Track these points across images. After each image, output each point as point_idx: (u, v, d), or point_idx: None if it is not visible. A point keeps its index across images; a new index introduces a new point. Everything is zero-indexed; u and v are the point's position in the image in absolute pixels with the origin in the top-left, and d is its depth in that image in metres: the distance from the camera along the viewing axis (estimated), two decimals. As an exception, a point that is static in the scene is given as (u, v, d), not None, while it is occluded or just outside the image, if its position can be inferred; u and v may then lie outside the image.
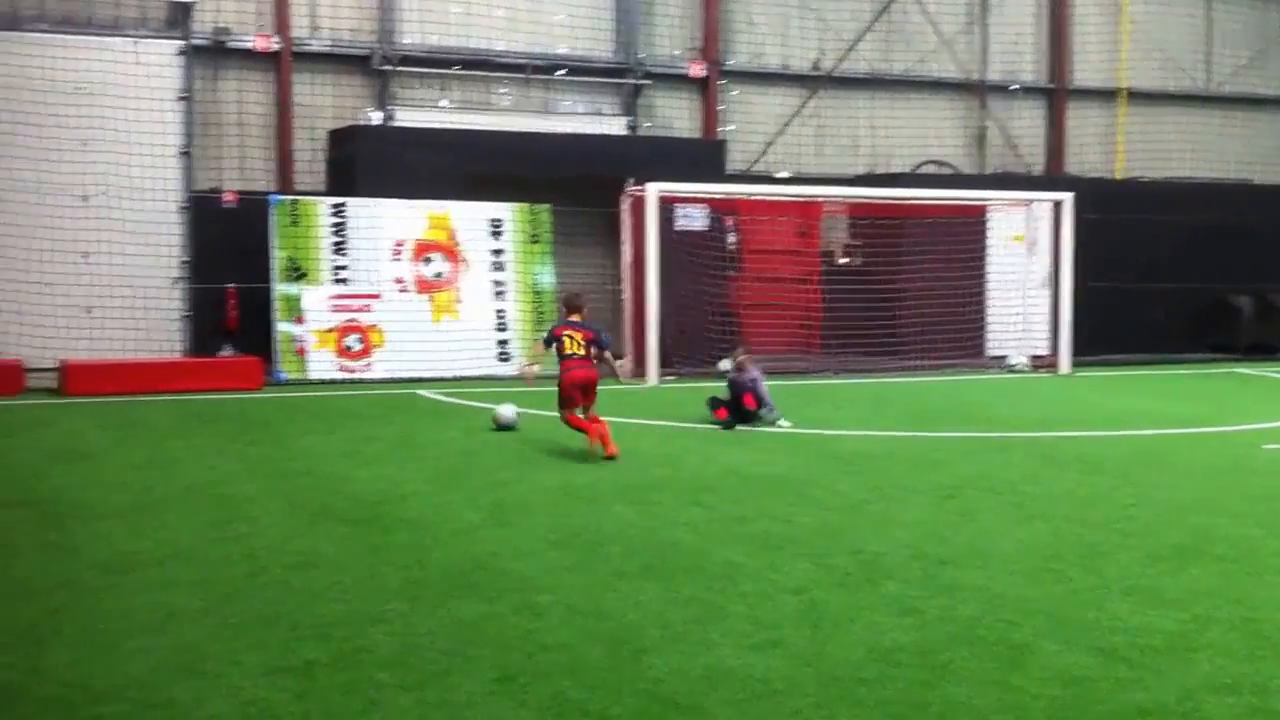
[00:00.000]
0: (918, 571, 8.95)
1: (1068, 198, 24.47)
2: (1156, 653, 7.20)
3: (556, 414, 14.27)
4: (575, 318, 14.53)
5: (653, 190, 22.13)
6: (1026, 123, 30.36)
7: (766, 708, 6.32)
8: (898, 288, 24.52)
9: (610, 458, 13.54)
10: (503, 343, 22.49)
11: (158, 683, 6.59)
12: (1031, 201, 25.34)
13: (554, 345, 14.31)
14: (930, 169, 28.83)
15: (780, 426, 16.27)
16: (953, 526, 10.49)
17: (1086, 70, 30.70)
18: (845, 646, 7.26)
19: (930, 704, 6.38)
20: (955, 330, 24.76)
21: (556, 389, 14.06)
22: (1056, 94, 30.40)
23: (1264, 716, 6.29)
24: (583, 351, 14.10)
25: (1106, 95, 30.77)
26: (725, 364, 22.72)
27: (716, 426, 16.37)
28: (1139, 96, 31.00)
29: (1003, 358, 24.99)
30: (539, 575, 8.76)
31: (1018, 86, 30.08)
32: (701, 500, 11.49)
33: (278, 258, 21.36)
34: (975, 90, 29.48)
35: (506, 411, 16.11)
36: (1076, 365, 24.42)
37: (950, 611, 7.97)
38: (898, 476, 12.89)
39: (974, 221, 25.58)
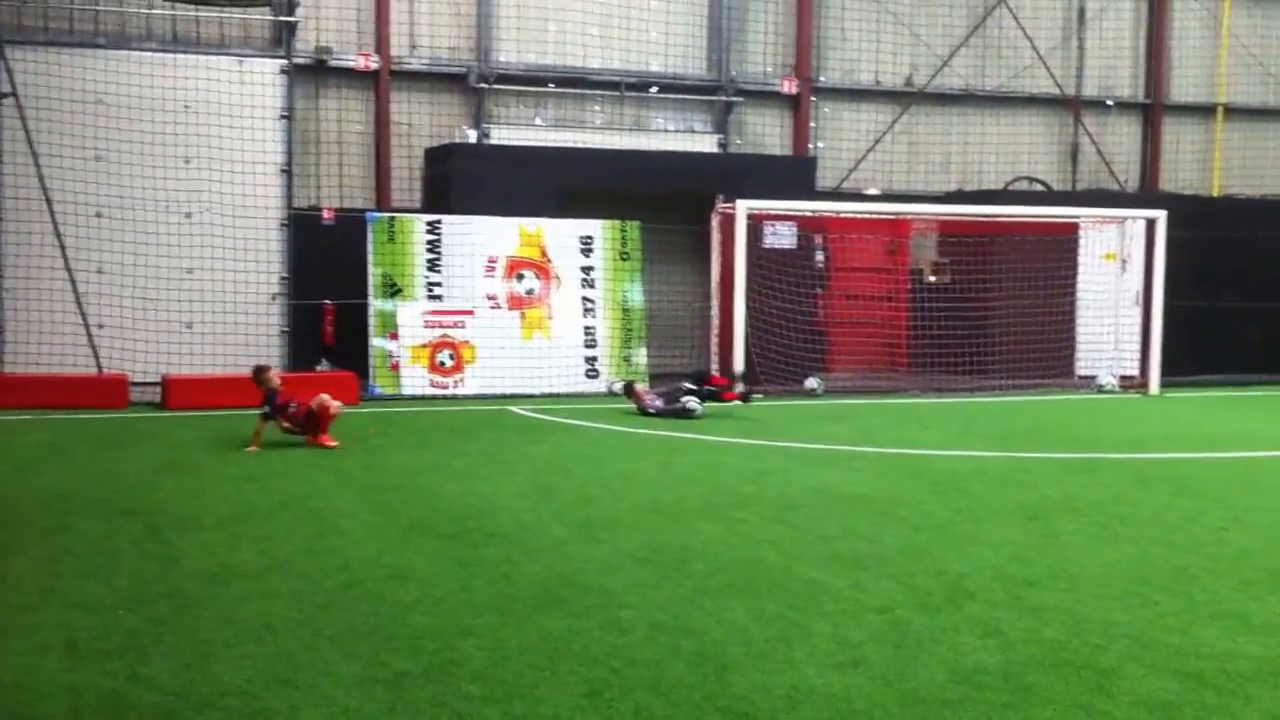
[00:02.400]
0: (1002, 593, 8.95)
1: (1161, 215, 24.26)
2: (1244, 678, 7.17)
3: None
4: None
5: (742, 207, 22.20)
6: (1121, 139, 30.08)
7: (848, 727, 6.38)
8: (987, 306, 24.40)
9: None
10: (591, 359, 22.62)
11: (255, 691, 6.75)
12: (1125, 219, 25.14)
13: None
14: (1022, 185, 28.66)
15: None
16: (1038, 548, 10.47)
17: (1184, 85, 30.35)
18: (928, 667, 7.29)
19: (1012, 726, 6.42)
20: (1044, 349, 24.56)
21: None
22: (1153, 109, 30.08)
23: (1349, 744, 6.27)
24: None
25: (1204, 111, 30.43)
26: (812, 382, 22.86)
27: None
28: (1238, 112, 30.64)
29: (1092, 377, 24.79)
30: (624, 591, 8.86)
31: (1113, 102, 29.84)
32: (786, 518, 11.54)
33: (374, 274, 21.61)
34: (1070, 105, 29.27)
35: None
36: (1168, 386, 24.19)
37: (1035, 634, 7.98)
38: (984, 497, 12.86)
39: (1065, 239, 25.40)
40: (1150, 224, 24.44)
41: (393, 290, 21.65)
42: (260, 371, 16.34)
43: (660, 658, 7.39)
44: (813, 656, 7.45)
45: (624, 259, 23.00)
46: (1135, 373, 24.55)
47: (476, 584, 9.02)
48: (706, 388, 19.58)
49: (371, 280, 21.60)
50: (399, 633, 7.81)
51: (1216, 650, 7.67)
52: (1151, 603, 8.77)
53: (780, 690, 6.86)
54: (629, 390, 20.11)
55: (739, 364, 21.60)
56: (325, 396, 15.95)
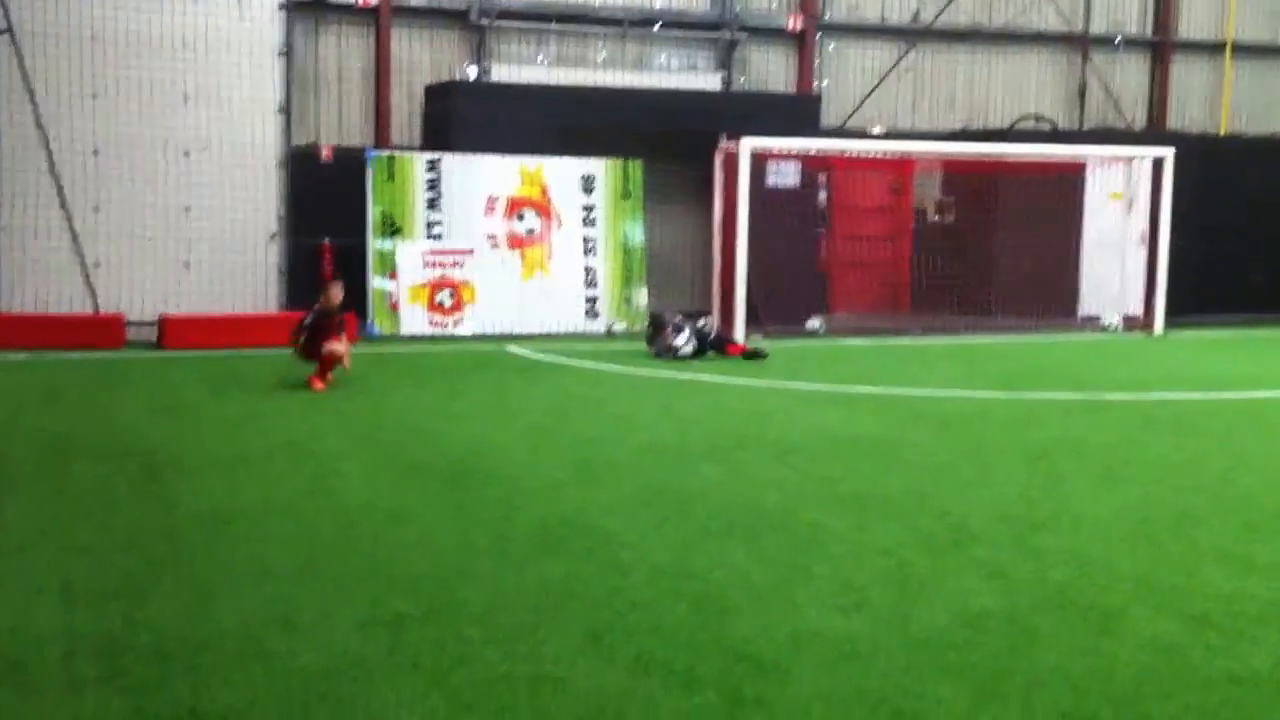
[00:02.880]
0: (1006, 535, 8.94)
1: (1169, 154, 24.11)
2: (1250, 620, 7.16)
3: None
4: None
5: (745, 145, 22.05)
6: (1129, 76, 29.85)
7: (853, 670, 6.36)
8: (991, 246, 24.28)
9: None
10: (591, 300, 22.56)
11: (253, 634, 6.74)
12: (1132, 158, 24.99)
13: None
14: (1029, 124, 28.48)
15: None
16: (1043, 490, 10.46)
17: (1193, 22, 30.10)
18: (932, 610, 7.27)
19: (1018, 670, 6.39)
20: (1049, 289, 24.50)
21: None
22: (1161, 47, 29.84)
23: (1356, 687, 6.25)
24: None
25: (1213, 48, 30.17)
26: (814, 323, 22.81)
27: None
28: (1246, 49, 30.40)
29: (1096, 318, 24.72)
30: (625, 533, 8.84)
31: (1121, 39, 29.59)
32: (788, 460, 11.51)
33: (373, 213, 21.52)
34: (1077, 43, 29.05)
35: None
36: (1172, 326, 24.11)
37: (1039, 576, 7.97)
38: (988, 438, 12.86)
39: (1072, 178, 25.26)
40: (1157, 163, 24.29)
41: (392, 229, 21.56)
42: (329, 282, 16.22)
43: (661, 600, 7.37)
44: (816, 599, 7.43)
45: (625, 198, 22.89)
46: (1140, 313, 24.47)
47: (476, 526, 9.01)
48: (710, 338, 19.40)
49: (370, 219, 21.51)
50: (398, 575, 7.79)
51: (1221, 592, 7.66)
52: (1156, 544, 8.76)
53: (783, 633, 6.84)
54: (657, 324, 19.75)
55: (741, 307, 21.53)
56: (333, 345, 15.75)
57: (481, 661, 6.39)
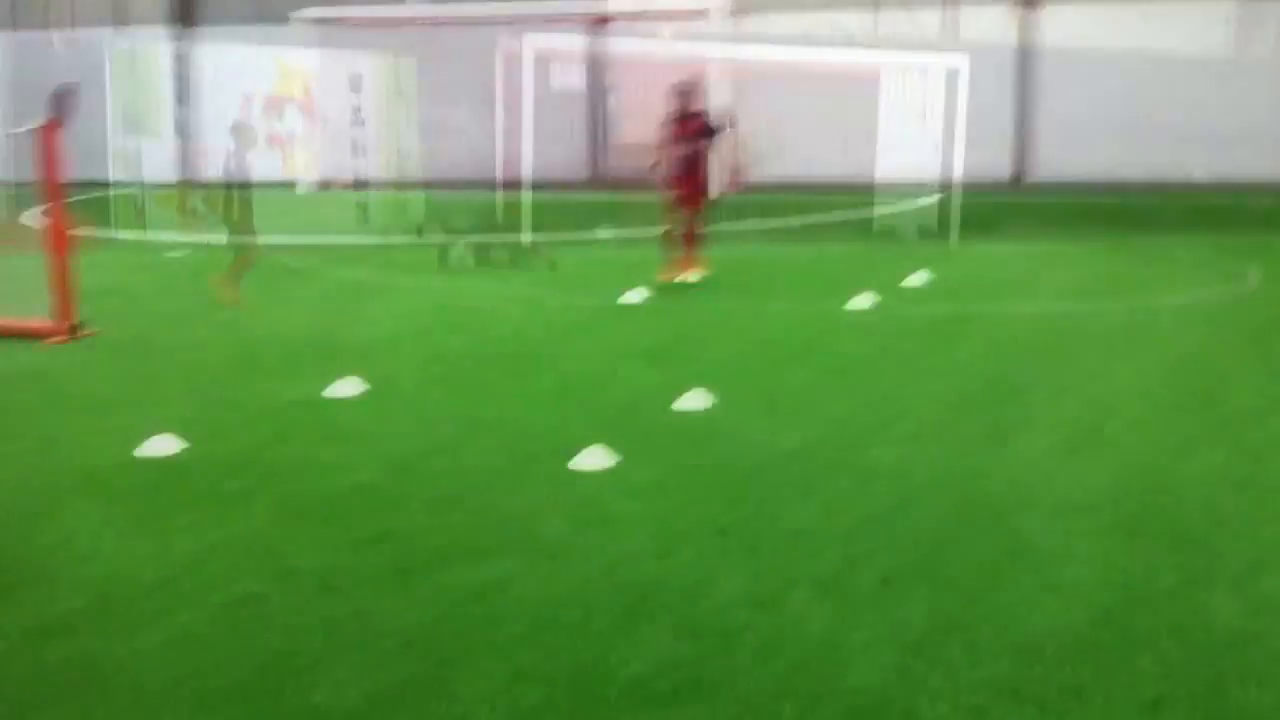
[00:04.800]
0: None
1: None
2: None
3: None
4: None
5: (528, 44, 21.65)
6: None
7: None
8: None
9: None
10: (362, 206, 22.15)
11: None
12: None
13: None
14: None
15: None
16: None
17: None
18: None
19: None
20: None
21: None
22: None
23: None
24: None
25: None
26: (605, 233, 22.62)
27: None
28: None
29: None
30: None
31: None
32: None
33: (113, 109, 20.77)
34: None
35: None
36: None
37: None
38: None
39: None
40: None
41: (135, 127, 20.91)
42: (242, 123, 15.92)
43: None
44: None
45: (398, 98, 22.46)
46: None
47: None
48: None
49: (110, 115, 20.76)
50: None
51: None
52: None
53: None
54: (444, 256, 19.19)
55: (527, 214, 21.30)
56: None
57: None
